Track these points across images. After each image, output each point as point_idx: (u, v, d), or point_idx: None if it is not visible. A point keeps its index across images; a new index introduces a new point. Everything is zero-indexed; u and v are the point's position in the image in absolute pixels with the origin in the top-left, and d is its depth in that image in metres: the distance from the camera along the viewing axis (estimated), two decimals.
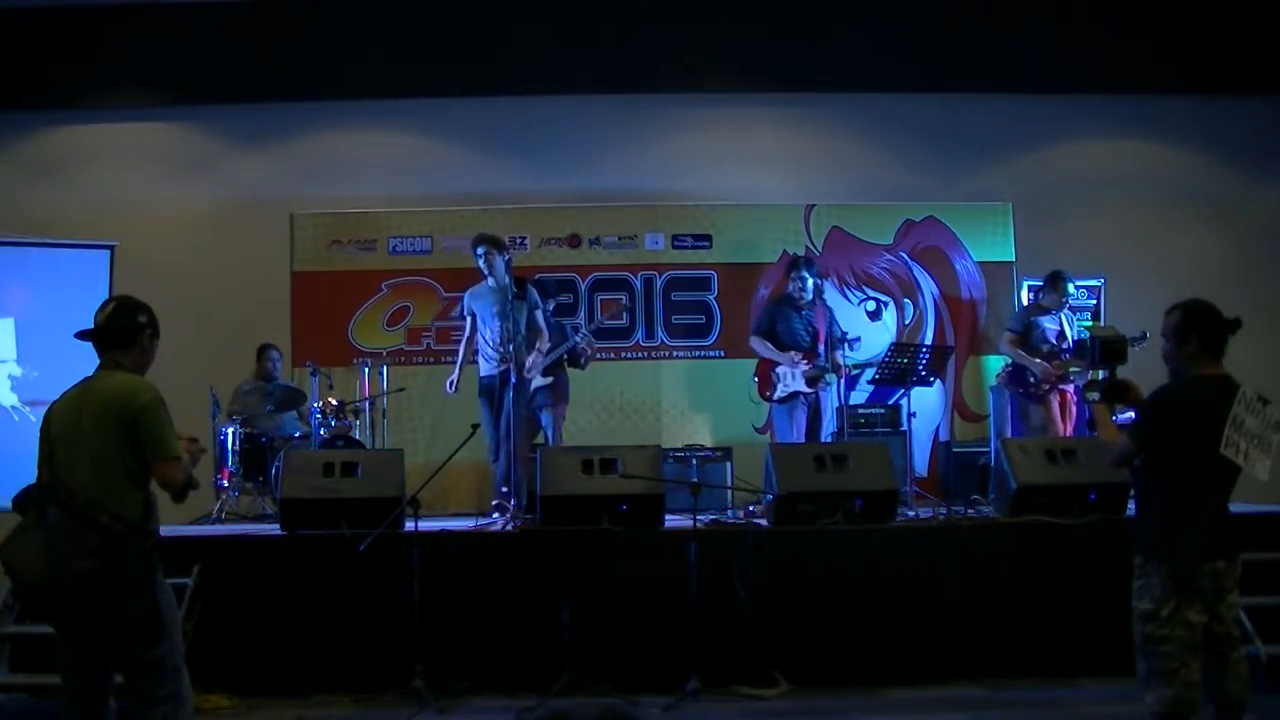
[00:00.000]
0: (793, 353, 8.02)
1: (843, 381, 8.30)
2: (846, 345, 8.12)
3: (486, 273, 7.63)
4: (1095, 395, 4.40)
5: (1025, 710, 5.83)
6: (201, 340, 9.03)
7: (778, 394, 8.08)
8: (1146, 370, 4.65)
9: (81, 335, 3.92)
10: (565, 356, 8.19)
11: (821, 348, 8.05)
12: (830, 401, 8.17)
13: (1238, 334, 4.12)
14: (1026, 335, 8.38)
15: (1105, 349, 4.53)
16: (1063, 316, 8.46)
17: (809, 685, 6.17)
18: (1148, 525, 4.10)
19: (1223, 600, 4.01)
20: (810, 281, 8.12)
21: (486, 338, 7.60)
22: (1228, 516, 4.09)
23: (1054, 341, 8.35)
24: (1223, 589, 4.00)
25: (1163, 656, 3.93)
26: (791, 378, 8.02)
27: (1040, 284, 8.73)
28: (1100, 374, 4.48)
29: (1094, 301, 9.75)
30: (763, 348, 8.17)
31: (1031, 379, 8.28)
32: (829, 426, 8.17)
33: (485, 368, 7.63)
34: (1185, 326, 4.10)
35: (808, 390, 8.00)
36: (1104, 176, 10.38)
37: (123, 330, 3.86)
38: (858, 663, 6.31)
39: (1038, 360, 8.25)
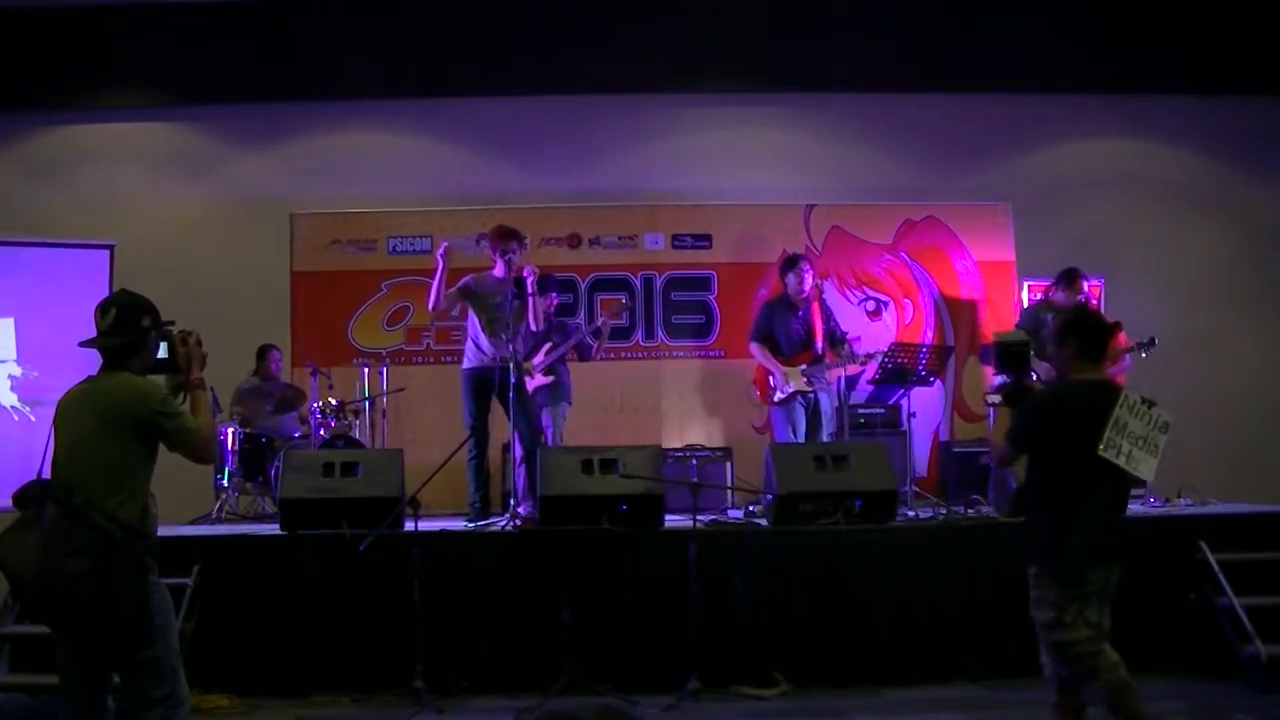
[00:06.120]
0: (786, 367, 8.01)
1: (843, 381, 8.29)
2: (847, 344, 8.10)
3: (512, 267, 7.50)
4: (997, 399, 4.43)
5: (1025, 710, 5.80)
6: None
7: (777, 397, 8.08)
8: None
9: (86, 344, 3.89)
10: (570, 354, 8.15)
11: (819, 345, 8.03)
12: (830, 402, 8.15)
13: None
14: (1035, 333, 8.34)
15: (1005, 354, 4.58)
16: None
17: (809, 685, 6.17)
18: (1037, 533, 4.14)
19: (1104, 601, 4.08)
20: (805, 278, 8.09)
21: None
22: (1114, 522, 4.11)
23: None
24: (1107, 590, 4.06)
25: (1078, 658, 4.01)
26: (788, 379, 8.01)
27: (1046, 282, 8.67)
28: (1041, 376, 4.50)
29: (1094, 302, 9.73)
30: (761, 354, 8.18)
31: (1035, 378, 8.25)
32: (828, 426, 8.14)
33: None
34: (1063, 331, 4.16)
35: (806, 390, 7.99)
36: (1104, 176, 10.38)
37: (129, 344, 3.86)
38: (857, 663, 6.31)
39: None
